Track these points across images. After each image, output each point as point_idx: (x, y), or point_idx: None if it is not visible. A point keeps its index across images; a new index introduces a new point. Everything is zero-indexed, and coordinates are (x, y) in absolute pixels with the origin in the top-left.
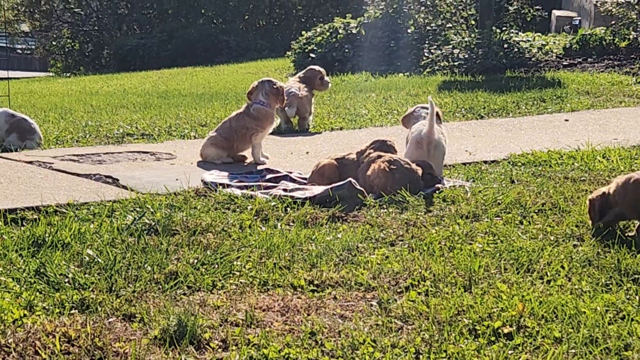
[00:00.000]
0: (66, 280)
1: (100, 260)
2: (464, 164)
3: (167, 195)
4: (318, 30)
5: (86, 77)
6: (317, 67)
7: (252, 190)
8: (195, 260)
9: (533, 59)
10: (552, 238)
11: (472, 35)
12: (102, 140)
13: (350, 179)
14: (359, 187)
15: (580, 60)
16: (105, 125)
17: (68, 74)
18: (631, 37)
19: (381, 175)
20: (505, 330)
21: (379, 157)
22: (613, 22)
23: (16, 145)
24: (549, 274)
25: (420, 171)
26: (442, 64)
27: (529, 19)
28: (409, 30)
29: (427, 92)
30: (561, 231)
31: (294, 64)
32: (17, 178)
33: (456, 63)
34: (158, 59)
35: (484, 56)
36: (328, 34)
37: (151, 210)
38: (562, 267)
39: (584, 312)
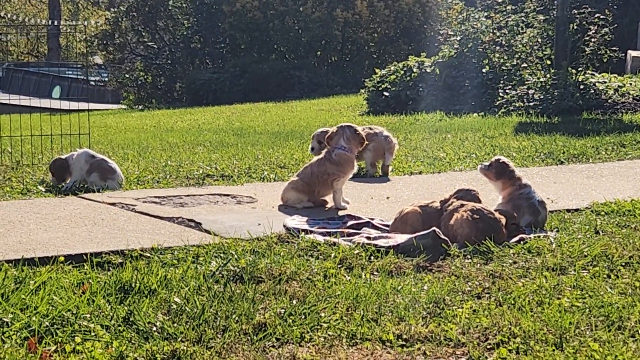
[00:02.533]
0: (154, 329)
1: (187, 309)
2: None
3: (250, 241)
4: (392, 68)
5: (159, 111)
6: None
7: (335, 236)
8: (283, 311)
9: (609, 101)
10: None
11: (548, 75)
12: (182, 182)
13: (434, 228)
14: (443, 236)
15: None
16: (184, 165)
17: (140, 107)
18: None
19: (464, 225)
20: None
21: (462, 206)
22: None
23: (98, 186)
24: None
25: (504, 220)
26: (517, 105)
27: (605, 60)
28: (484, 70)
29: (503, 134)
30: None
31: (367, 101)
32: (101, 220)
33: (531, 104)
34: (230, 94)
35: (560, 97)
36: (402, 72)
37: (235, 256)
38: None
39: None
